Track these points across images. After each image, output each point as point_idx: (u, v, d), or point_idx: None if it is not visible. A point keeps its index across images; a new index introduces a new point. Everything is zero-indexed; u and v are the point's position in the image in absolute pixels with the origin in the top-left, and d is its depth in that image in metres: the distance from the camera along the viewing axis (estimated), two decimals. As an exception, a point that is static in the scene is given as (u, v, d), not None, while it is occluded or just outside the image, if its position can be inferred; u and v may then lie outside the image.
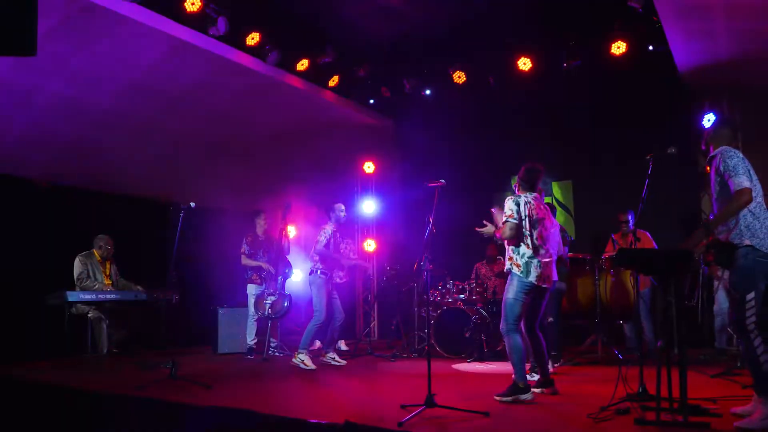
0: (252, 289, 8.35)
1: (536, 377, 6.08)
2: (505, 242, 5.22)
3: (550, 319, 7.22)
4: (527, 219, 5.11)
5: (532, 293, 5.12)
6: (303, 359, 6.93)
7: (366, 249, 10.87)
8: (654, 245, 7.63)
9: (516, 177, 5.59)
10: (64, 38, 6.54)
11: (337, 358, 7.38)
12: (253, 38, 7.84)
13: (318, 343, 9.16)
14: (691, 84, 8.29)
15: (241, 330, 8.57)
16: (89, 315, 6.99)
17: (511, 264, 5.13)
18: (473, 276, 9.12)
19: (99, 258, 7.42)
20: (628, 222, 7.77)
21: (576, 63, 8.50)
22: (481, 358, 7.59)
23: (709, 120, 8.07)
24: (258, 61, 8.08)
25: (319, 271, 7.18)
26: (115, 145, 8.23)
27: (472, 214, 10.24)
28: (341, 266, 8.21)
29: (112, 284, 7.46)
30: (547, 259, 5.14)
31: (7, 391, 6.03)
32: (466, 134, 10.26)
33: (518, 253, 5.10)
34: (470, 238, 9.92)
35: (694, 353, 7.45)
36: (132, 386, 5.55)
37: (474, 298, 8.16)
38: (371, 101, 10.29)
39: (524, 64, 8.65)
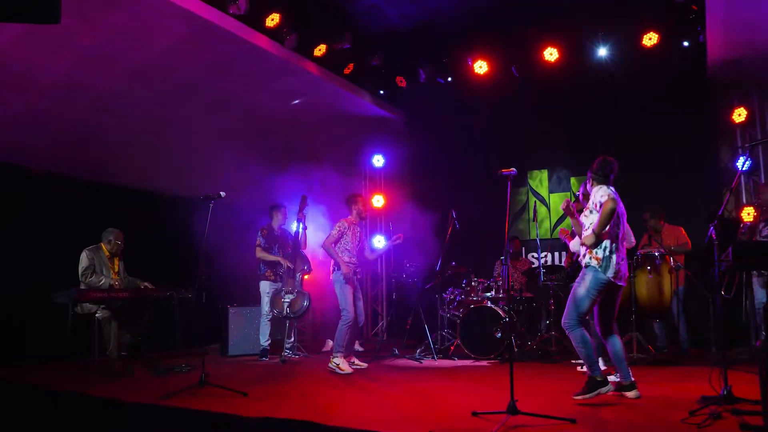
0: (265, 287, 7.85)
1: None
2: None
3: None
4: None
5: (606, 290, 4.83)
6: (338, 363, 6.50)
7: (375, 245, 10.43)
8: (684, 238, 7.44)
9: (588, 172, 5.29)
10: (75, 11, 5.93)
11: (357, 361, 6.94)
12: (272, 19, 7.39)
13: (330, 343, 8.74)
14: (717, 78, 8.11)
15: (253, 330, 8.09)
16: (97, 315, 6.41)
17: (590, 257, 4.84)
18: (495, 273, 8.81)
19: (107, 253, 6.82)
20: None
21: (603, 55, 8.21)
22: (513, 359, 7.24)
23: (739, 115, 7.94)
24: (275, 44, 7.61)
25: (338, 269, 6.74)
26: (119, 132, 7.63)
27: (485, 210, 10.04)
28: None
29: (120, 281, 6.88)
30: (624, 256, 4.88)
31: (11, 397, 5.48)
32: (480, 128, 9.90)
33: (600, 247, 4.80)
34: (484, 234, 9.77)
35: (732, 352, 7.30)
36: (157, 395, 5.06)
37: (501, 296, 7.82)
38: (381, 92, 9.85)
39: (551, 54, 8.35)
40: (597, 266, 4.79)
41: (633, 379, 4.93)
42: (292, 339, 8.00)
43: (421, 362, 7.36)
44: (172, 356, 7.21)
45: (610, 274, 4.76)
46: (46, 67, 6.54)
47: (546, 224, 9.78)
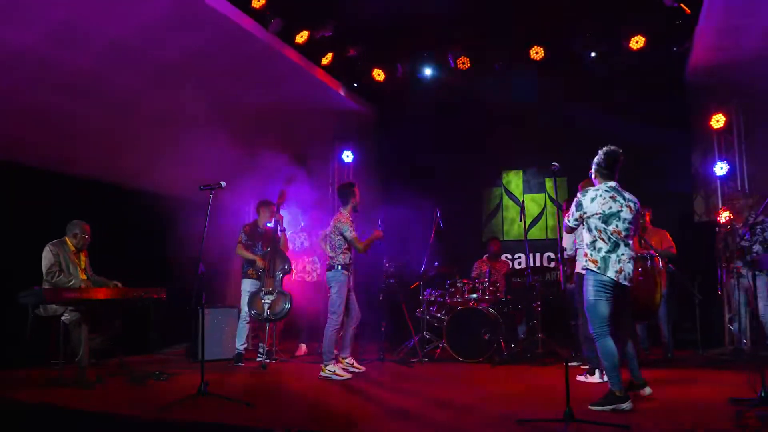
0: (247, 285, 7.33)
1: (591, 379, 5.73)
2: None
3: (573, 322, 6.89)
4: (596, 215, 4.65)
5: (613, 290, 4.61)
6: (333, 370, 6.11)
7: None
8: (670, 242, 7.48)
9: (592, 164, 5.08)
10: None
11: (355, 363, 6.59)
12: (258, 0, 6.88)
13: (303, 347, 8.30)
14: (696, 83, 8.26)
15: (227, 334, 7.55)
16: (64, 318, 5.73)
17: (587, 260, 4.67)
18: (474, 273, 8.63)
19: (73, 248, 6.12)
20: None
21: (590, 55, 8.19)
22: (503, 362, 7.08)
23: (718, 121, 8.10)
24: (260, 27, 7.14)
25: (340, 267, 6.34)
26: (85, 117, 6.93)
27: (460, 210, 9.87)
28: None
29: (87, 279, 6.20)
30: (627, 255, 4.64)
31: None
32: (455, 127, 9.72)
33: (595, 248, 4.63)
34: (458, 234, 9.59)
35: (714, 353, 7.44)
36: (149, 407, 4.55)
37: (487, 297, 7.63)
38: (355, 85, 9.48)
39: (536, 53, 8.24)
40: (595, 268, 4.61)
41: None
42: (267, 343, 7.52)
43: (411, 366, 7.05)
44: (142, 362, 6.60)
45: (611, 274, 4.57)
46: (10, 39, 5.80)
47: (519, 225, 9.67)
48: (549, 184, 9.59)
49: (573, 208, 4.77)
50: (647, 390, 4.87)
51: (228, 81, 7.76)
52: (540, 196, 9.61)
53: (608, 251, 4.59)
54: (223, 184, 5.19)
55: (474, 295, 7.68)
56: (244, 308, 7.27)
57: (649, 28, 7.76)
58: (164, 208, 8.67)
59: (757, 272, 6.80)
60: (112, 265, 6.51)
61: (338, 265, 6.33)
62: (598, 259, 4.59)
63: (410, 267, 8.25)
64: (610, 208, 4.63)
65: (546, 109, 9.09)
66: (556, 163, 4.73)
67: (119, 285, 6.24)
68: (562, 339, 7.78)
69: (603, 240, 4.61)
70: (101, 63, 6.50)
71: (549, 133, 9.26)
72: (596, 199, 4.66)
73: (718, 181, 8.27)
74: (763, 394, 4.39)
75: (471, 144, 9.68)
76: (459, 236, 9.56)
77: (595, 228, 4.63)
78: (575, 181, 9.29)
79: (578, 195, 4.78)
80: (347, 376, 6.10)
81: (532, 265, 9.42)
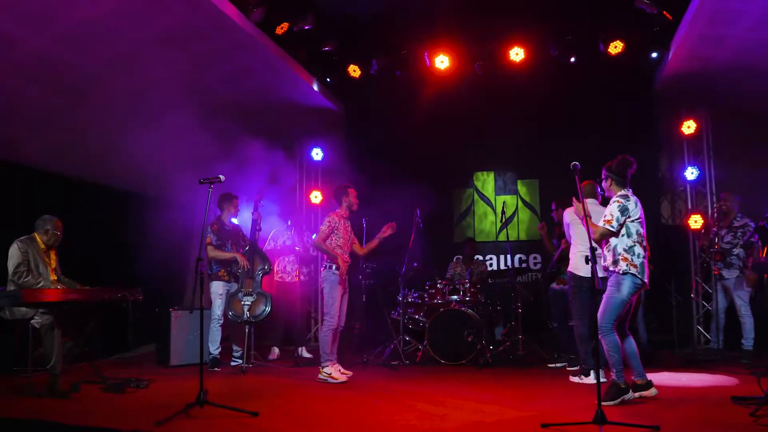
0: (218, 288, 6.96)
1: (586, 380, 5.75)
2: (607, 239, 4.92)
3: (555, 324, 6.92)
4: (638, 219, 4.89)
5: (638, 293, 4.92)
6: (330, 372, 5.91)
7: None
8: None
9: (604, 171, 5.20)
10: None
11: (342, 369, 6.36)
12: (243, -12, 6.57)
13: (276, 351, 7.99)
14: (666, 90, 8.46)
15: (197, 337, 7.15)
16: (34, 321, 5.25)
17: (627, 265, 4.77)
18: (449, 274, 8.56)
19: (43, 246, 5.62)
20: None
21: (570, 58, 8.25)
22: (487, 364, 7.01)
23: (689, 127, 8.32)
24: (241, 15, 6.80)
25: (333, 267, 6.11)
26: (41, 103, 6.43)
27: (431, 210, 9.76)
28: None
29: (58, 280, 5.72)
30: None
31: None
32: (427, 126, 9.58)
33: (634, 253, 4.78)
34: (430, 235, 9.47)
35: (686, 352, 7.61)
36: (141, 419, 4.21)
37: (468, 299, 7.56)
38: (328, 80, 9.23)
39: (516, 54, 8.24)
40: (636, 272, 4.76)
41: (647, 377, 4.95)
42: (252, 346, 7.21)
43: (396, 369, 6.87)
44: (104, 366, 6.15)
45: (645, 278, 4.81)
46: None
47: (490, 226, 9.69)
48: (521, 185, 9.62)
49: (617, 213, 4.82)
50: (653, 390, 4.90)
51: (198, 68, 7.39)
52: (512, 198, 9.63)
53: (643, 256, 4.80)
54: (222, 177, 4.94)
55: (455, 297, 7.59)
56: (216, 311, 6.92)
57: (628, 34, 7.87)
58: (116, 201, 8.24)
59: (738, 273, 7.06)
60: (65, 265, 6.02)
61: (333, 265, 6.11)
62: (638, 264, 4.77)
63: (388, 268, 8.07)
64: (641, 212, 4.89)
65: (520, 110, 9.09)
66: (577, 163, 4.67)
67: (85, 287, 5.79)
68: (542, 341, 7.83)
69: (640, 245, 4.80)
70: (64, 45, 6.03)
71: (522, 135, 9.29)
72: (638, 204, 4.88)
73: (688, 186, 8.50)
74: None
75: (443, 144, 9.57)
76: (430, 237, 9.45)
77: (636, 233, 4.81)
78: (547, 183, 9.48)
79: (619, 200, 4.86)
80: (343, 378, 5.91)
81: (504, 267, 9.46)
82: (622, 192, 4.97)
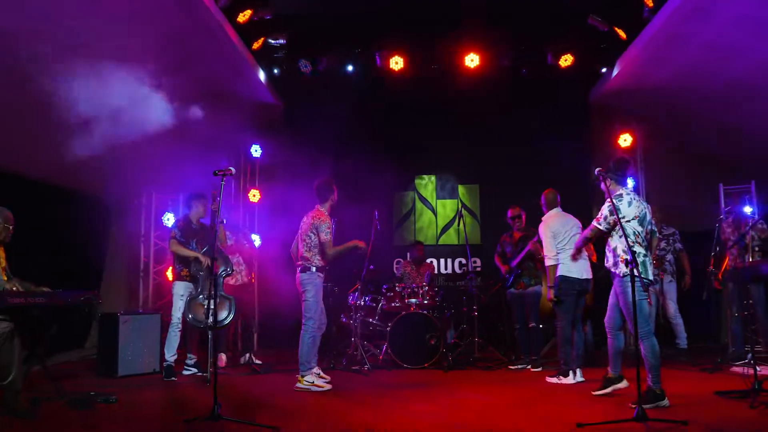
0: (180, 288, 6.44)
1: (564, 380, 5.94)
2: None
3: (532, 324, 7.08)
4: (635, 218, 4.94)
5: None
6: (312, 381, 5.62)
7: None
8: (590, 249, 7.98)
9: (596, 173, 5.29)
10: None
11: (322, 373, 6.08)
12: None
13: (224, 357, 7.51)
14: (603, 104, 8.98)
15: (146, 344, 6.57)
16: (-12, 329, 4.54)
17: (626, 266, 4.79)
18: (399, 273, 8.52)
19: (-8, 242, 4.89)
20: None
21: (521, 69, 8.51)
22: (450, 367, 7.03)
23: (625, 140, 8.85)
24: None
25: (315, 269, 5.83)
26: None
27: (371, 212, 9.64)
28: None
29: (9, 281, 4.97)
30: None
31: None
32: (372, 128, 9.47)
33: (639, 255, 4.85)
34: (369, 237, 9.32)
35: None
36: None
37: (426, 302, 7.53)
38: (276, 71, 8.86)
39: (472, 60, 8.36)
40: (638, 272, 4.76)
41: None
42: (196, 355, 6.73)
43: (367, 375, 6.68)
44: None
45: (650, 276, 4.86)
46: None
47: (432, 231, 9.74)
48: (462, 190, 9.76)
49: (606, 213, 4.90)
50: (624, 383, 5.18)
51: (153, 54, 6.79)
52: (452, 202, 9.74)
53: (645, 255, 4.83)
54: (233, 170, 4.68)
55: (414, 300, 7.54)
56: (177, 314, 6.39)
57: (579, 48, 8.25)
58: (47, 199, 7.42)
59: (670, 278, 7.58)
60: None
61: (313, 266, 5.82)
62: (639, 263, 4.72)
63: (345, 272, 7.87)
64: (642, 210, 4.90)
65: (466, 116, 9.22)
66: (601, 169, 4.77)
67: (45, 289, 5.10)
68: (495, 343, 7.98)
69: (639, 244, 4.82)
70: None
71: (465, 141, 9.44)
72: (632, 203, 4.88)
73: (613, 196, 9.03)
74: (756, 386, 4.86)
75: (386, 146, 9.50)
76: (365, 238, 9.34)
77: (633, 233, 4.82)
78: (487, 188, 9.69)
79: (611, 200, 4.89)
80: (327, 387, 5.63)
81: (445, 270, 9.55)
82: (618, 192, 5.06)
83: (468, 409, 4.87)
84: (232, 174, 4.65)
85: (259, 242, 9.11)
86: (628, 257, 4.46)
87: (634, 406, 4.61)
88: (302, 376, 5.64)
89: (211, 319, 6.08)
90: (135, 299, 8.85)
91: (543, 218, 6.47)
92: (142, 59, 6.74)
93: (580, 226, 6.28)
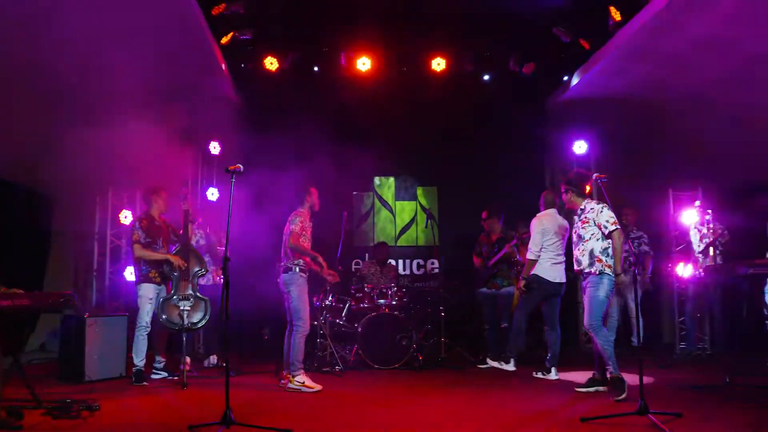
0: (148, 291, 6.15)
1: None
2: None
3: (504, 324, 7.26)
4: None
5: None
6: (303, 381, 5.58)
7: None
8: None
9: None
10: None
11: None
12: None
13: (188, 360, 7.24)
14: (563, 112, 9.30)
15: (114, 347, 6.28)
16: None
17: (602, 266, 5.26)
18: (364, 272, 8.49)
19: (-36, 240, 4.55)
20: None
21: (484, 75, 8.71)
22: (422, 367, 7.10)
23: (580, 147, 9.19)
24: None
25: (297, 269, 5.77)
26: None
27: (329, 215, 9.60)
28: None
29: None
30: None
31: None
32: (333, 127, 9.38)
33: (608, 254, 5.28)
34: (329, 238, 9.25)
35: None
36: None
37: (395, 303, 7.56)
38: (243, 66, 8.68)
39: (438, 65, 8.48)
40: (610, 272, 5.27)
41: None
42: (165, 358, 6.51)
43: (340, 376, 6.64)
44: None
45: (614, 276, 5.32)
46: None
47: (390, 231, 9.78)
48: (420, 191, 9.87)
49: (610, 217, 5.24)
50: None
51: (119, 48, 6.50)
52: (411, 204, 9.83)
53: (611, 257, 5.28)
54: (241, 167, 4.68)
55: (383, 301, 7.56)
56: (144, 318, 6.12)
57: (541, 57, 8.53)
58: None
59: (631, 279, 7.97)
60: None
61: (296, 266, 5.75)
62: (611, 264, 5.25)
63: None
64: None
65: (427, 119, 9.34)
66: (603, 175, 4.99)
67: (18, 292, 4.78)
68: (461, 343, 8.11)
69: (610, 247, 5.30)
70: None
71: (425, 143, 9.54)
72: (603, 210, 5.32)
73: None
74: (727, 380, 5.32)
75: (346, 146, 9.45)
76: (329, 240, 9.29)
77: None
78: (446, 190, 9.84)
79: (604, 206, 5.31)
80: (318, 387, 5.58)
81: (403, 272, 9.62)
82: (589, 201, 5.48)
83: (472, 407, 4.98)
84: (241, 172, 4.55)
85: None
86: (632, 259, 4.77)
87: (618, 399, 4.92)
88: (293, 376, 5.60)
89: (186, 320, 6.05)
90: (85, 301, 8.41)
91: (538, 214, 6.66)
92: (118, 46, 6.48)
93: (568, 228, 6.49)
